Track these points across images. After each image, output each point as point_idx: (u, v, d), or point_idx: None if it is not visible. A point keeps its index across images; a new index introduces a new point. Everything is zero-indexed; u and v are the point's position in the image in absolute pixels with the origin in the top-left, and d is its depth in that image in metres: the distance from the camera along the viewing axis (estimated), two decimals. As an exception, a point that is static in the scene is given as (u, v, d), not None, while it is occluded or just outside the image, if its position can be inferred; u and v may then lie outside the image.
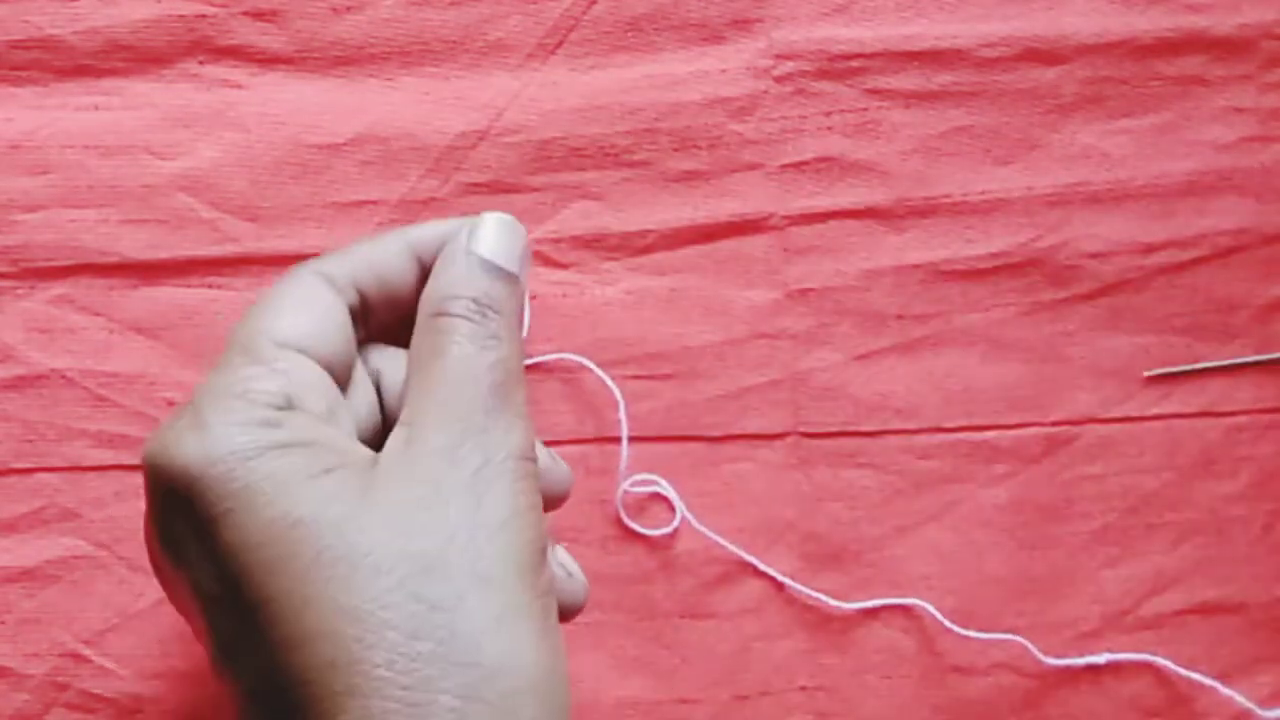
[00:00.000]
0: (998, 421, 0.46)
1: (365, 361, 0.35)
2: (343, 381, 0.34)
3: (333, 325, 0.33)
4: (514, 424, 0.31)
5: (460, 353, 0.32)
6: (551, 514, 0.45)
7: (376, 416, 0.35)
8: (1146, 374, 0.32)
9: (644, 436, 0.46)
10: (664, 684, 0.45)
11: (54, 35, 0.45)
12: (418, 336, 0.33)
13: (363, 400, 0.35)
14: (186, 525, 0.29)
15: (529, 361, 0.45)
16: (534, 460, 0.32)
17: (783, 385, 0.46)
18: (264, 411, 0.29)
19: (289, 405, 0.30)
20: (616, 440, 0.45)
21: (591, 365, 0.45)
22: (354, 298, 0.34)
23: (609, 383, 0.45)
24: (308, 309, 0.33)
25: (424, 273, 0.35)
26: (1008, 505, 0.46)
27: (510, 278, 0.34)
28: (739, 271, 0.46)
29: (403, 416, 0.31)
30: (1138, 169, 0.47)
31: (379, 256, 0.35)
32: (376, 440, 0.33)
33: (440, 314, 0.33)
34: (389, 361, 0.36)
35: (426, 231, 0.35)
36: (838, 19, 0.46)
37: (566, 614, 0.35)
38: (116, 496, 0.45)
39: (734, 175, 0.46)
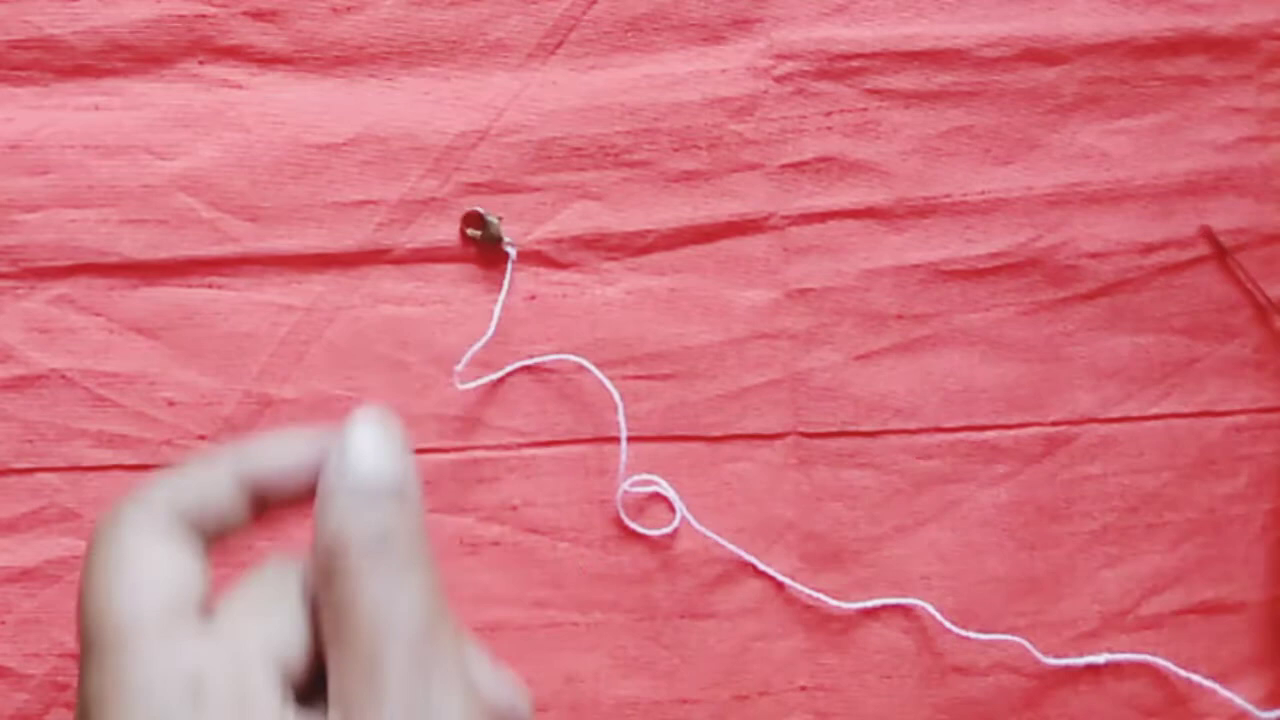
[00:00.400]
0: (998, 421, 0.46)
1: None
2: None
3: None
4: (451, 679, 0.26)
5: (370, 602, 0.26)
6: (552, 519, 0.46)
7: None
8: None
9: (644, 436, 0.46)
10: (664, 684, 0.45)
11: (54, 35, 0.44)
12: (320, 594, 0.27)
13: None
14: None
15: (529, 362, 0.45)
16: (490, 706, 0.28)
17: (783, 385, 0.46)
18: None
19: None
20: (616, 440, 0.45)
21: (590, 366, 0.45)
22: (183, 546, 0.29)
23: (607, 384, 0.45)
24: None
25: (258, 507, 0.29)
26: (1008, 505, 0.46)
27: (401, 495, 0.28)
28: (739, 271, 0.46)
29: (331, 692, 0.26)
30: (1138, 169, 0.47)
31: (206, 492, 0.29)
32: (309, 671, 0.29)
33: (335, 564, 0.27)
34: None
35: (264, 456, 0.29)
36: (838, 19, 0.46)
37: None
38: (116, 496, 0.44)
39: (734, 175, 0.46)
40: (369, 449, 0.29)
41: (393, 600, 0.27)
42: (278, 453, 0.29)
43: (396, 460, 0.29)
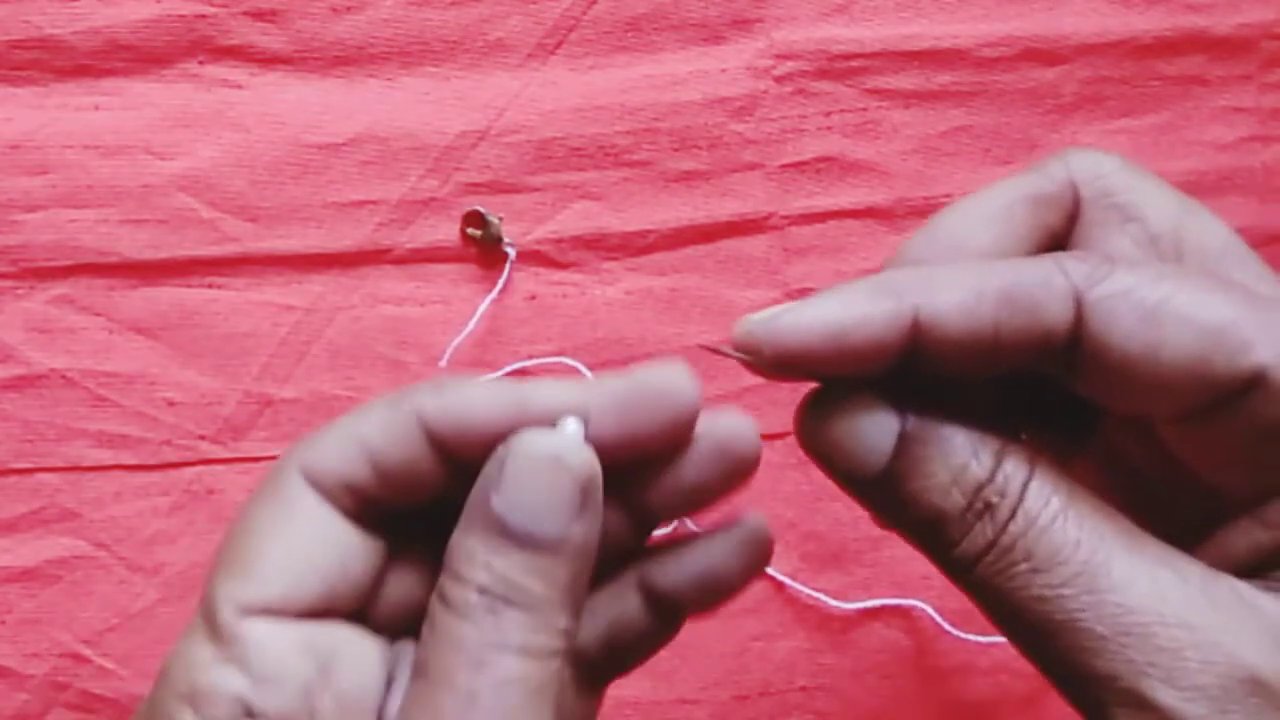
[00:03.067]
0: (998, 421, 0.46)
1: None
2: (355, 605, 0.28)
3: (322, 552, 0.27)
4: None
5: (447, 669, 0.24)
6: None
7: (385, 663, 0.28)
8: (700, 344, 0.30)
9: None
10: (664, 684, 0.45)
11: (54, 35, 0.44)
12: (427, 619, 0.25)
13: (371, 648, 0.28)
14: None
15: (525, 365, 0.45)
16: None
17: (783, 385, 0.46)
18: None
19: (243, 713, 0.26)
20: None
21: (584, 370, 0.45)
22: (346, 501, 0.27)
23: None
24: (285, 540, 0.26)
25: (443, 453, 0.27)
26: (1008, 505, 0.46)
27: (546, 546, 0.25)
28: (739, 271, 0.46)
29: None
30: (1138, 169, 0.47)
31: (376, 438, 0.27)
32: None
33: (440, 599, 0.25)
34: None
35: (454, 401, 0.26)
36: (838, 19, 0.46)
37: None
38: (116, 497, 0.45)
39: (734, 175, 0.46)
40: (534, 473, 0.25)
41: (479, 675, 0.24)
42: (470, 404, 0.26)
43: (567, 492, 0.25)
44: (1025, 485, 0.25)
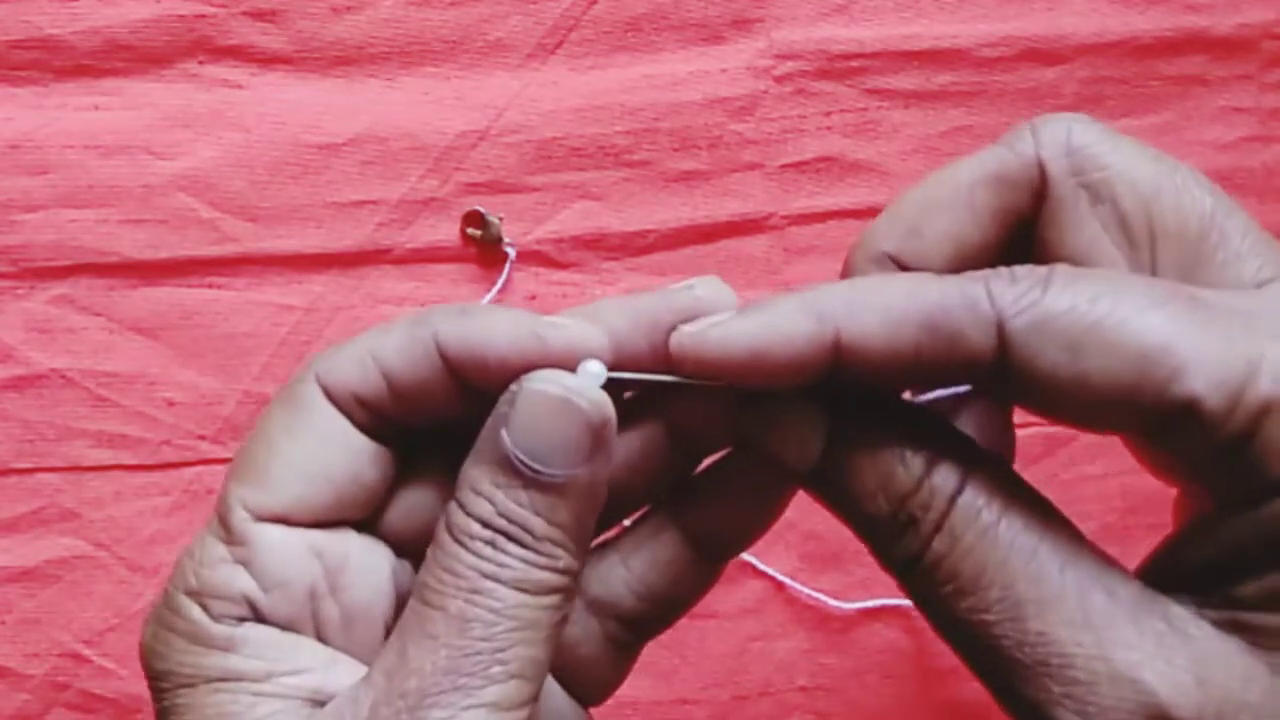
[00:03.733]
0: (998, 421, 0.46)
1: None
2: (365, 515, 0.28)
3: (336, 460, 0.27)
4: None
5: (443, 593, 0.25)
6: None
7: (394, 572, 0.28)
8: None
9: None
10: (664, 684, 0.45)
11: (54, 35, 0.44)
12: (433, 542, 0.26)
13: (379, 560, 0.28)
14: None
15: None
16: None
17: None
18: (215, 629, 0.26)
19: (249, 613, 0.26)
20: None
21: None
22: (360, 414, 0.27)
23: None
24: (300, 447, 0.27)
25: (459, 377, 0.27)
26: (1008, 505, 0.46)
27: (551, 485, 0.25)
28: (739, 271, 0.46)
29: (374, 665, 0.26)
30: (1138, 169, 0.47)
31: (393, 358, 0.27)
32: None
33: (445, 525, 0.26)
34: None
35: (474, 329, 0.26)
36: (838, 19, 0.46)
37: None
38: (116, 496, 0.45)
39: (734, 175, 0.46)
40: (548, 406, 0.25)
41: (467, 620, 0.25)
42: (489, 335, 0.26)
43: (576, 428, 0.25)
44: (953, 499, 0.25)
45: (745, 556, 0.45)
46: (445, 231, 0.45)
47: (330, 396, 0.27)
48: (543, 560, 0.25)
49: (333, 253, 0.45)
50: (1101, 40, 0.47)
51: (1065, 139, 0.28)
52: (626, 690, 0.45)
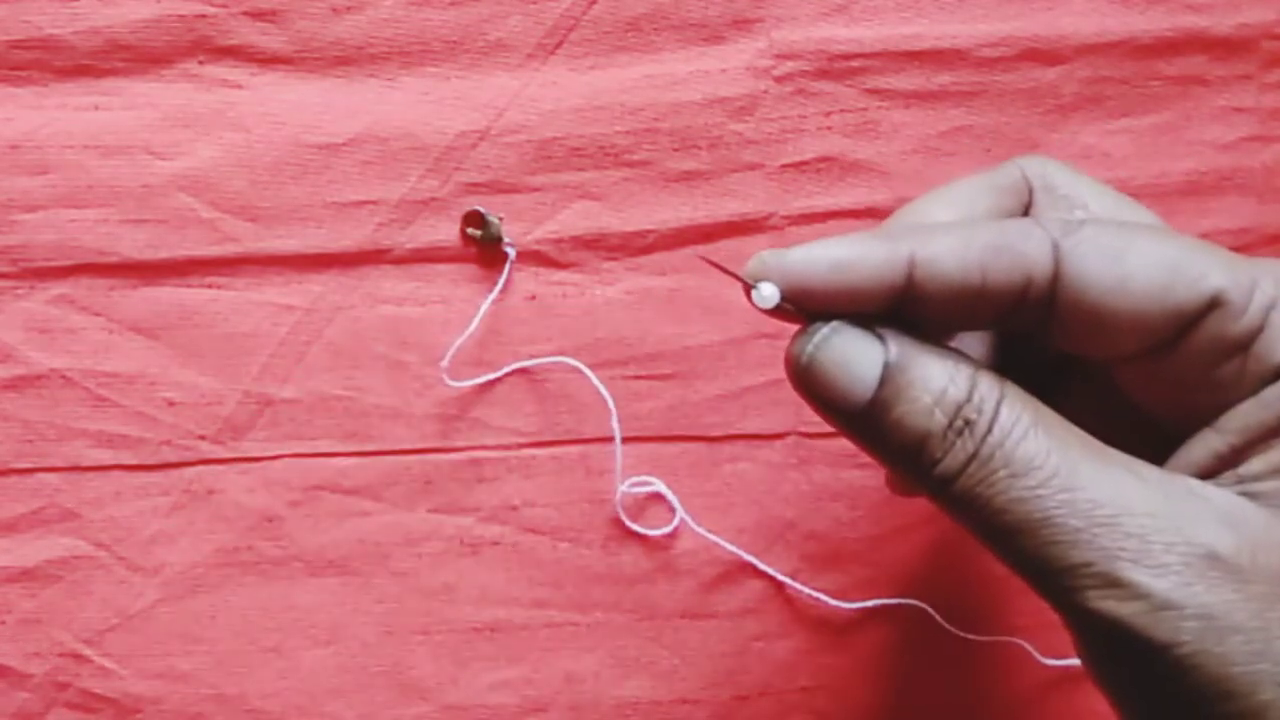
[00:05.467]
0: (998, 421, 0.46)
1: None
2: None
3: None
4: None
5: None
6: (552, 519, 0.46)
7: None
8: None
9: (643, 436, 0.46)
10: (664, 684, 0.45)
11: (54, 35, 0.45)
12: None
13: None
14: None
15: (524, 364, 0.45)
16: None
17: (783, 385, 0.46)
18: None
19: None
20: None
21: (586, 371, 0.45)
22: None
23: (601, 390, 0.45)
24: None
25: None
26: (1008, 505, 0.46)
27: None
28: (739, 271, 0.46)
29: None
30: (1138, 169, 0.47)
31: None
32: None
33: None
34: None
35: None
36: (838, 19, 0.46)
37: None
38: (116, 496, 0.45)
39: (734, 175, 0.46)
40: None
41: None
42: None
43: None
44: (999, 404, 0.28)
45: (745, 556, 0.45)
46: (445, 231, 0.46)
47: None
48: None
49: (333, 253, 0.45)
50: (1101, 40, 0.47)
51: (1042, 168, 0.33)
52: (626, 690, 0.46)
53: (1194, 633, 0.26)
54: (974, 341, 0.35)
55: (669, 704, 0.45)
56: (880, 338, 0.29)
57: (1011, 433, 0.28)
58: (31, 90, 0.45)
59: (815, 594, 0.45)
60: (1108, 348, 0.29)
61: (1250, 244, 0.47)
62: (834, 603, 0.45)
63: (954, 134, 0.46)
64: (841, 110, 0.46)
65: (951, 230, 0.29)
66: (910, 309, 0.29)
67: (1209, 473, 0.29)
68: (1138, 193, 0.47)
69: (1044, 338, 0.30)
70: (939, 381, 0.28)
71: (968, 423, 0.28)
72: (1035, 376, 0.32)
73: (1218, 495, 0.28)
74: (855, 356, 0.29)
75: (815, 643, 0.46)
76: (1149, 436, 0.30)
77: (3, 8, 0.44)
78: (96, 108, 0.45)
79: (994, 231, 0.29)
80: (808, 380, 0.29)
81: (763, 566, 0.45)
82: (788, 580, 0.45)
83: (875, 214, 0.46)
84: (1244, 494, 0.28)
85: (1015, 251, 0.28)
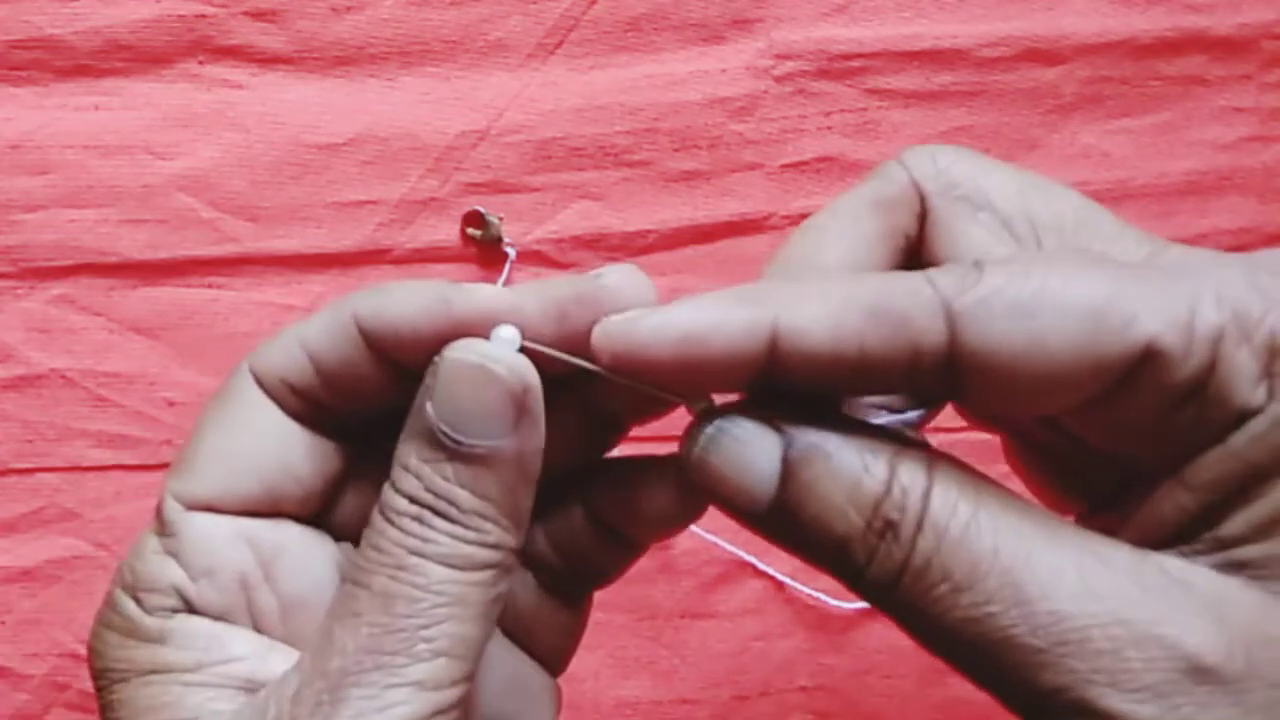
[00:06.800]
0: (998, 421, 0.46)
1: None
2: (306, 507, 0.28)
3: (264, 448, 0.27)
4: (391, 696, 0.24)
5: (369, 570, 0.25)
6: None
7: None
8: None
9: (643, 436, 0.46)
10: (664, 684, 0.45)
11: (54, 35, 0.45)
12: (368, 525, 0.26)
13: (320, 551, 0.28)
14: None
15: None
16: None
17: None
18: (148, 621, 0.26)
19: (181, 605, 0.26)
20: (616, 440, 0.45)
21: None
22: (293, 402, 0.27)
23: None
24: (227, 435, 0.27)
25: (384, 358, 0.26)
26: (1008, 505, 0.46)
27: (476, 457, 0.24)
28: (739, 271, 0.46)
29: (304, 649, 0.25)
30: (1138, 169, 0.47)
31: (317, 340, 0.27)
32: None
33: (378, 506, 0.25)
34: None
35: (385, 303, 0.26)
36: (838, 19, 0.46)
37: None
38: (116, 496, 0.45)
39: (734, 175, 0.46)
40: (473, 376, 0.24)
41: (392, 599, 0.24)
42: (399, 306, 0.26)
43: (499, 399, 0.24)
44: (927, 494, 0.24)
45: (745, 556, 0.45)
46: (445, 231, 0.46)
47: (262, 385, 0.27)
48: (470, 535, 0.24)
49: (333, 253, 0.45)
50: (1101, 40, 0.47)
51: (933, 163, 0.28)
52: (626, 690, 0.46)
53: None
54: None
55: (669, 704, 0.45)
56: (776, 427, 0.24)
57: (947, 532, 0.23)
58: (31, 90, 0.45)
59: (815, 594, 0.45)
60: (1028, 411, 0.25)
61: (1250, 244, 0.47)
62: (834, 603, 0.45)
63: (954, 134, 0.46)
64: (841, 110, 0.46)
65: (826, 291, 0.24)
66: (780, 382, 0.24)
67: (1184, 537, 0.24)
68: (1138, 193, 0.47)
69: (959, 401, 0.26)
70: (850, 474, 0.24)
71: (889, 523, 0.23)
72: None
73: (1199, 578, 0.23)
74: (749, 454, 0.24)
75: (815, 643, 0.46)
76: (1109, 465, 0.26)
77: (3, 8, 0.44)
78: (97, 108, 0.45)
79: (874, 292, 0.23)
80: (703, 483, 0.25)
81: (763, 566, 0.45)
82: (788, 580, 0.45)
83: (875, 214, 0.46)
84: (1228, 565, 0.23)
85: (898, 319, 0.23)
